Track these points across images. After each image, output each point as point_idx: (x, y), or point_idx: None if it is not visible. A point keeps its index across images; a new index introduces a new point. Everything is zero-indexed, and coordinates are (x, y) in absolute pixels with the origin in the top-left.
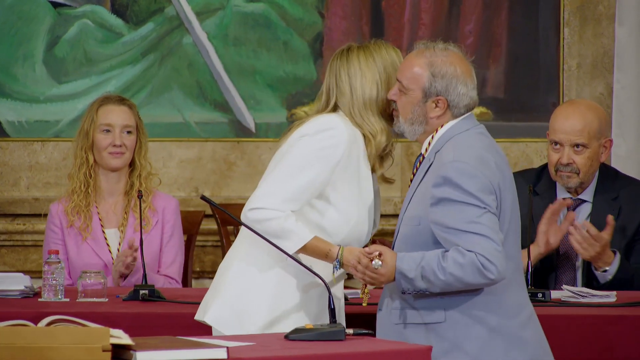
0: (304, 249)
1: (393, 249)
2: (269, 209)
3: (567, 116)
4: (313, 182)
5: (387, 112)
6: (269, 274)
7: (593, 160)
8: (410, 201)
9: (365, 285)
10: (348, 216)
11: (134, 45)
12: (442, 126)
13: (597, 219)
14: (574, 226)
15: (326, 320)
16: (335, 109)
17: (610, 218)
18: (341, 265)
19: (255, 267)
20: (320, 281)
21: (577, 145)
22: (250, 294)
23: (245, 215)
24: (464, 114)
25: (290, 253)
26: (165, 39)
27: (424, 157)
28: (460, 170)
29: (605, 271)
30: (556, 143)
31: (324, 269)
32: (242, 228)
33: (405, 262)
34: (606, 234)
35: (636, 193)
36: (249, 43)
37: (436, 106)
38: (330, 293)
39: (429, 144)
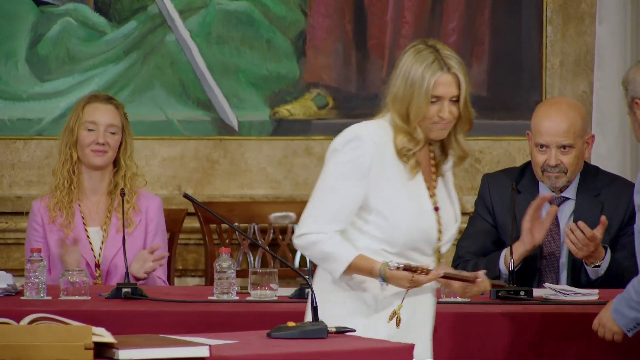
0: (350, 270)
1: None
2: (312, 234)
3: (551, 117)
4: (349, 197)
5: (409, 121)
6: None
7: (579, 158)
8: None
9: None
10: (397, 221)
11: (116, 43)
12: None
13: (580, 216)
14: (570, 228)
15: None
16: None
17: (603, 218)
18: (386, 281)
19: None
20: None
21: (564, 147)
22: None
23: (295, 244)
24: None
25: (337, 276)
26: (148, 37)
27: None
28: None
29: (598, 266)
30: (542, 145)
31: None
32: None
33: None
34: (599, 233)
35: (618, 190)
36: (231, 41)
37: None
38: (312, 290)
39: None
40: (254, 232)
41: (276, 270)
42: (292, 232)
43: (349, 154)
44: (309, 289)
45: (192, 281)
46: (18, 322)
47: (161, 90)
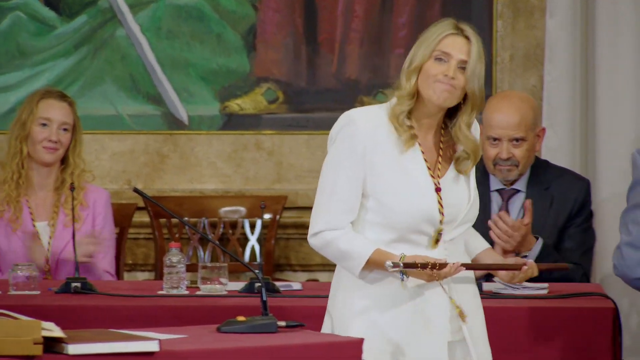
0: (369, 266)
1: None
2: (326, 231)
3: (502, 110)
4: (352, 185)
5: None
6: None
7: (530, 151)
8: None
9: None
10: (391, 202)
11: (66, 37)
12: None
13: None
14: (493, 221)
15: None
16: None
17: (527, 202)
18: (405, 274)
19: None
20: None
21: (516, 140)
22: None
23: (310, 244)
24: None
25: (357, 274)
26: (99, 31)
27: None
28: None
29: (525, 256)
30: (494, 139)
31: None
32: None
33: None
34: (525, 220)
35: (567, 183)
36: (182, 36)
37: None
38: (262, 285)
39: None
40: (204, 226)
41: (226, 264)
42: (242, 226)
43: (344, 141)
44: (259, 283)
45: (142, 275)
46: None
47: (111, 85)
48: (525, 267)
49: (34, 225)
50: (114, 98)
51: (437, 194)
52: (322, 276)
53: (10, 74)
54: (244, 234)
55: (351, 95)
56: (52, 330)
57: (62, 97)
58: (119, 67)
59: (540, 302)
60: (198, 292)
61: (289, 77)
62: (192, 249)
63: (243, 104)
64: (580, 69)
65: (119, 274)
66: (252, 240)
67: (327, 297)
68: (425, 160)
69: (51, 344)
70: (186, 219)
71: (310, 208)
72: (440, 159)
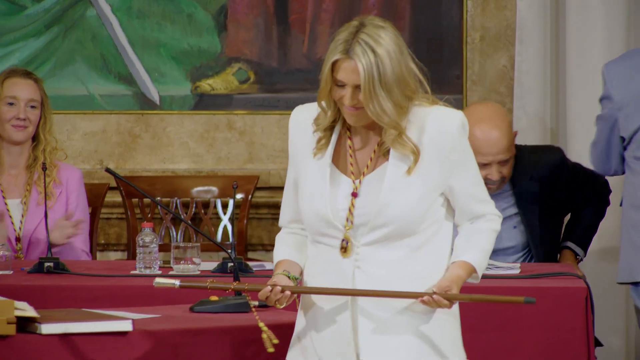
0: None
1: None
2: (281, 229)
3: (487, 136)
4: (288, 185)
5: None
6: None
7: (513, 160)
8: None
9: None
10: (299, 203)
11: (37, 17)
12: None
13: (522, 205)
14: None
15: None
16: None
17: None
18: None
19: None
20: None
21: (506, 160)
22: None
23: None
24: None
25: None
26: (69, 11)
27: None
28: None
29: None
30: (484, 164)
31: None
32: None
33: None
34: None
35: (544, 161)
36: (152, 16)
37: None
38: (235, 265)
39: None
40: (176, 206)
41: (198, 244)
42: (214, 206)
43: None
44: (232, 263)
45: (115, 255)
46: None
47: (82, 65)
48: (424, 299)
49: (5, 203)
50: (85, 78)
51: (352, 196)
52: None
53: None
54: (217, 214)
55: None
56: (26, 310)
57: (27, 74)
58: (90, 47)
59: (512, 282)
60: (171, 272)
61: (260, 57)
62: (165, 229)
63: (214, 84)
64: (550, 50)
65: (91, 254)
66: (225, 220)
67: None
68: (351, 164)
69: (24, 324)
70: (158, 199)
71: (281, 188)
72: (370, 159)
